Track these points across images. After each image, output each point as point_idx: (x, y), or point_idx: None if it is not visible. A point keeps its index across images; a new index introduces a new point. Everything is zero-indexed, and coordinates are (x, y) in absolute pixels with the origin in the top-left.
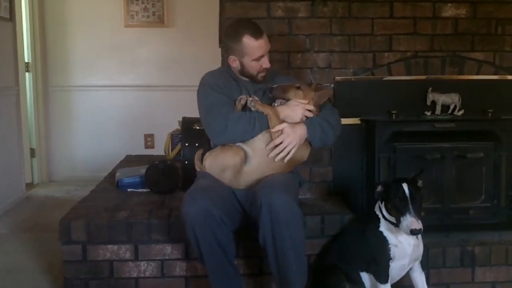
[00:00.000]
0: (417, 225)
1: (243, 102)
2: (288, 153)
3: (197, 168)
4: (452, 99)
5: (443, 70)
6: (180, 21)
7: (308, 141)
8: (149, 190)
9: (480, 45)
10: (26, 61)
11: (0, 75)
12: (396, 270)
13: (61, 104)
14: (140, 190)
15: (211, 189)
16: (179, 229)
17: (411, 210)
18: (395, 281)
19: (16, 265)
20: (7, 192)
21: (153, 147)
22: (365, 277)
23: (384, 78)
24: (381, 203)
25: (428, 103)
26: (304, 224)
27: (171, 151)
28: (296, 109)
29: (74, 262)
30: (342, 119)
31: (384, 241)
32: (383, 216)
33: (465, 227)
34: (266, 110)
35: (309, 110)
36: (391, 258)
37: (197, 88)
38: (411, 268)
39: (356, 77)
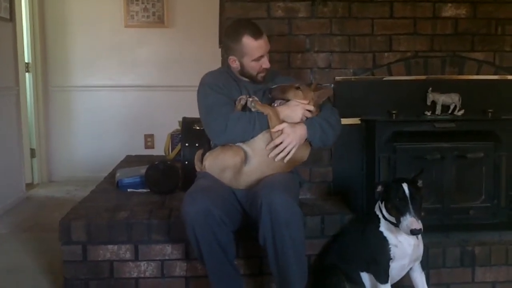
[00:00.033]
0: (417, 225)
1: (243, 102)
2: (288, 153)
3: (197, 168)
4: (452, 99)
5: (443, 70)
6: (180, 21)
7: (308, 141)
8: (149, 190)
9: (480, 45)
10: (26, 61)
11: (0, 75)
12: (396, 270)
13: (61, 104)
14: (140, 190)
15: (211, 189)
16: (179, 229)
17: (411, 210)
18: (395, 281)
19: (16, 265)
20: (7, 192)
21: (153, 147)
22: (365, 277)
23: (384, 78)
24: (381, 203)
25: (428, 103)
26: (304, 224)
27: (171, 151)
28: (296, 109)
29: (74, 262)
30: (342, 119)
31: (384, 241)
32: (383, 216)
33: (465, 227)
34: (266, 110)
35: (309, 111)
36: (391, 258)
37: (197, 88)
38: (411, 268)
39: (356, 77)
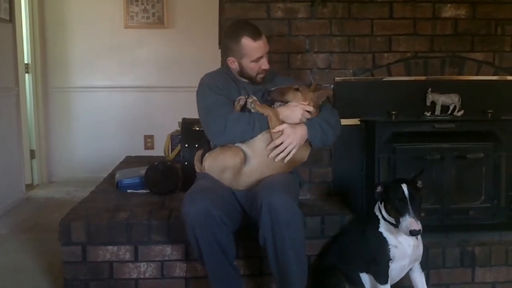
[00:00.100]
0: (417, 226)
1: (241, 103)
2: (289, 153)
3: (197, 169)
4: (452, 99)
5: (442, 71)
6: (179, 22)
7: (308, 142)
8: (149, 191)
9: (479, 46)
10: (26, 62)
11: (0, 76)
12: (396, 270)
13: (61, 105)
14: (140, 191)
15: (211, 189)
16: (179, 230)
17: (411, 210)
18: (395, 281)
19: (16, 265)
20: (7, 193)
21: (153, 148)
22: (365, 277)
23: (384, 79)
24: (381, 203)
25: (428, 103)
26: (304, 225)
27: (171, 152)
28: (295, 109)
29: (74, 263)
30: (341, 120)
31: (383, 241)
32: (383, 217)
33: (465, 228)
34: (266, 111)
35: (308, 111)
36: (390, 259)
37: (196, 89)
38: (411, 269)
39: (356, 77)
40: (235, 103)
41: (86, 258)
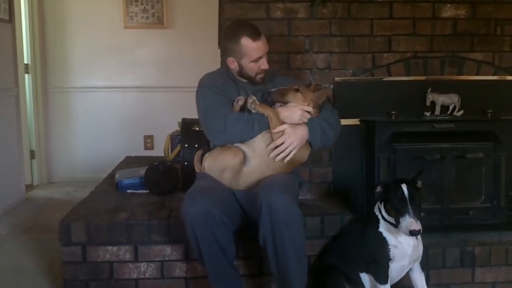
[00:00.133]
0: (416, 226)
1: (241, 103)
2: (289, 153)
3: (197, 169)
4: (452, 99)
5: (442, 71)
6: (179, 22)
7: (309, 142)
8: (148, 191)
9: (479, 46)
10: (26, 62)
11: (0, 76)
12: (396, 270)
13: (61, 105)
14: (139, 191)
15: (210, 189)
16: (179, 230)
17: (410, 211)
18: (395, 281)
19: (16, 266)
20: (7, 193)
21: (152, 148)
22: (365, 277)
23: (384, 79)
24: (381, 203)
25: (428, 103)
26: (304, 225)
27: (171, 152)
28: (294, 110)
29: (74, 263)
30: (341, 120)
31: (383, 241)
32: (383, 217)
33: (465, 228)
34: (267, 111)
35: (308, 112)
36: (390, 259)
37: (196, 89)
38: (411, 269)
39: (356, 77)
40: (234, 103)
41: (86, 258)
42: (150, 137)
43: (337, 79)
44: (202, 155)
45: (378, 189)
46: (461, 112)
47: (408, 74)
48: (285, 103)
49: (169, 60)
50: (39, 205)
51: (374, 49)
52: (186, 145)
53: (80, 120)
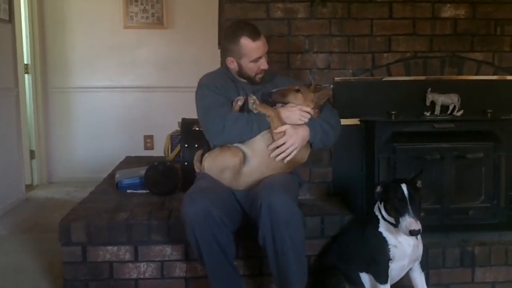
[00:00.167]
0: (416, 225)
1: (240, 103)
2: (290, 154)
3: (197, 169)
4: (452, 99)
5: (442, 71)
6: (179, 23)
7: (309, 142)
8: (148, 191)
9: (479, 46)
10: (26, 62)
11: (0, 76)
12: (395, 270)
13: (61, 105)
14: (139, 191)
15: (210, 190)
16: (179, 230)
17: (410, 210)
18: (394, 281)
19: (16, 266)
20: (7, 193)
21: (152, 148)
22: (365, 277)
23: (384, 79)
24: (381, 203)
25: (428, 103)
26: (304, 225)
27: (171, 152)
28: (293, 110)
29: (74, 263)
30: (341, 120)
31: (383, 241)
32: (383, 217)
33: (464, 227)
34: (268, 111)
35: (308, 112)
36: (390, 259)
37: (195, 89)
38: (410, 269)
39: (356, 77)
40: (234, 103)
41: (86, 259)
42: (150, 137)
43: (337, 79)
44: (202, 155)
45: (378, 189)
46: (461, 112)
47: (408, 74)
48: (285, 103)
49: (169, 60)
50: (39, 205)
51: (374, 49)
52: (186, 145)
53: (80, 120)
